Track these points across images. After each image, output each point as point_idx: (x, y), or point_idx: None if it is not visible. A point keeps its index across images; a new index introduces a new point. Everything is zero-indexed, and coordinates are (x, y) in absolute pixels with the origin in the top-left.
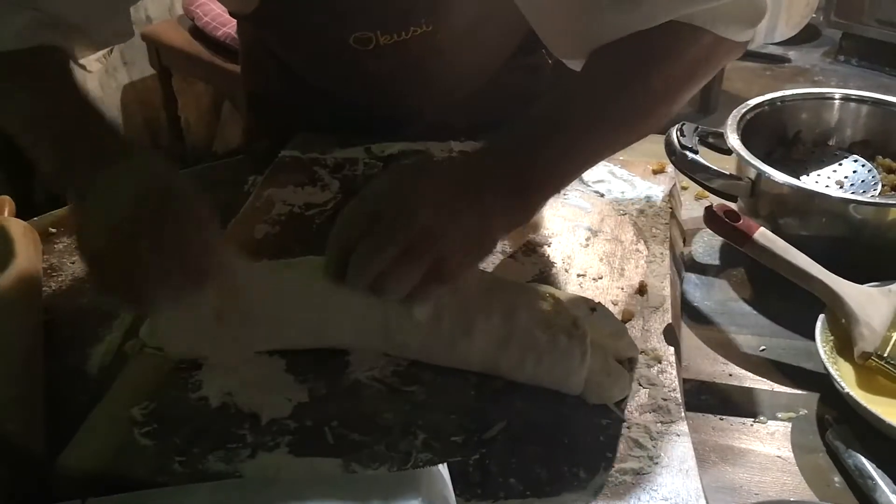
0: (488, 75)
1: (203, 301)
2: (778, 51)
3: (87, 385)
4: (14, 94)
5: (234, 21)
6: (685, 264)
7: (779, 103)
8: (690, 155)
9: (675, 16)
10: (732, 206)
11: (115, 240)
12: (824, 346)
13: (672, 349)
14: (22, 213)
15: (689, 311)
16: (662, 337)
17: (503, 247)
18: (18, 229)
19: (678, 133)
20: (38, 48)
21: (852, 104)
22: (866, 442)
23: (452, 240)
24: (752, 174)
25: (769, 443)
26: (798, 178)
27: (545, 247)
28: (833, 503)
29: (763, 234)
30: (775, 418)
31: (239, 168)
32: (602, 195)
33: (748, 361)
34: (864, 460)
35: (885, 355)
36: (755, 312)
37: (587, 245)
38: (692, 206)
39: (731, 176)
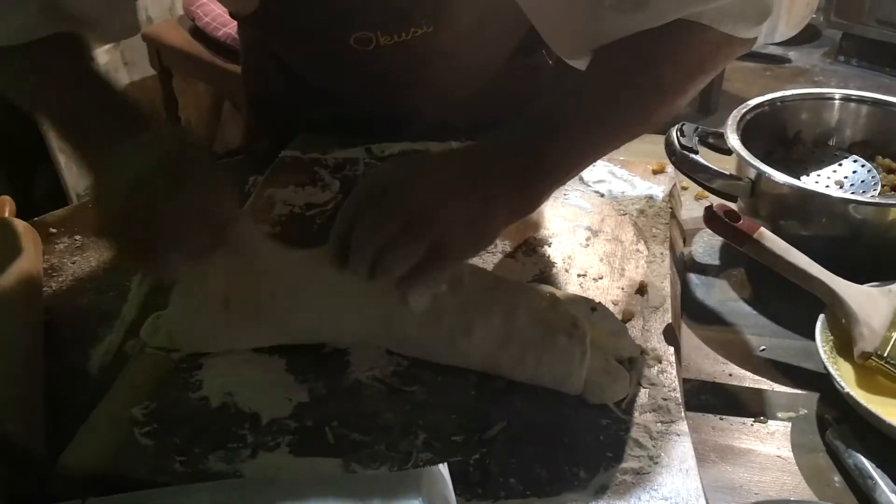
0: (488, 76)
1: (213, 280)
2: (778, 51)
3: (87, 385)
4: (34, 72)
5: (235, 21)
6: (685, 264)
7: (779, 103)
8: (690, 155)
9: (682, 14)
10: (732, 206)
11: (134, 202)
12: (824, 346)
13: (672, 349)
14: (22, 213)
15: (689, 311)
16: (662, 337)
17: (503, 246)
18: (19, 229)
19: (678, 133)
20: (53, 35)
21: (852, 104)
22: (866, 442)
23: (453, 224)
24: (752, 174)
25: (769, 442)
26: (798, 179)
27: (545, 247)
28: (833, 503)
29: (763, 235)
30: (775, 418)
31: (239, 168)
32: (602, 195)
33: (748, 361)
34: (864, 460)
35: (885, 355)
36: (755, 312)
37: (587, 245)
38: (692, 206)
39: (731, 176)
